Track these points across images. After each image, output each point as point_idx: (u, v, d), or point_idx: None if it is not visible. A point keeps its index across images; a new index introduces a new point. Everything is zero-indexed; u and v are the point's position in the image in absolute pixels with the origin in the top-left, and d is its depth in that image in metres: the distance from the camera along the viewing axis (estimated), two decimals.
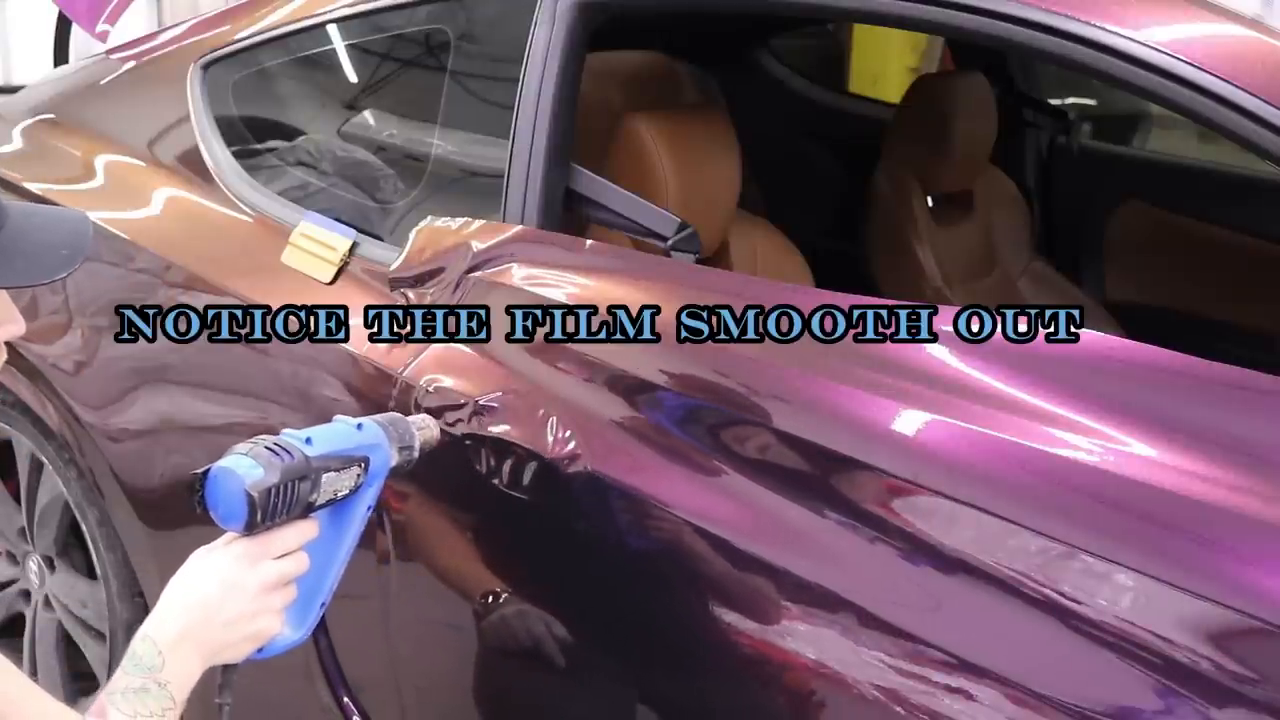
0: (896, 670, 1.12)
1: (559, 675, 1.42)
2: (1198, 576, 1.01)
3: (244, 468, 1.10)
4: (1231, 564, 1.02)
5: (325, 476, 1.15)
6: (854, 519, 1.17)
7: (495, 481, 1.41)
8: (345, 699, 1.67)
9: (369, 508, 1.23)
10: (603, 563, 1.37)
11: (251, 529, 1.11)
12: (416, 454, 1.28)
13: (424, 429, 1.30)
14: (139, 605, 2.01)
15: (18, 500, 2.22)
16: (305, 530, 1.17)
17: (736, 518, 1.24)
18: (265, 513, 1.10)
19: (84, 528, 2.05)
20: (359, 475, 1.20)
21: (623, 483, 1.32)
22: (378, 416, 1.26)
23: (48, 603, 2.18)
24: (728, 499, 1.26)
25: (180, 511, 1.87)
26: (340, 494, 1.18)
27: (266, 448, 1.12)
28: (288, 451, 1.12)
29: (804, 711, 1.21)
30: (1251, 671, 0.98)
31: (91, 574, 2.08)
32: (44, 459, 2.10)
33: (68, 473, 2.04)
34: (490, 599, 1.44)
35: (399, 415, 1.29)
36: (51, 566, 2.17)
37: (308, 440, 1.15)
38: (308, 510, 1.16)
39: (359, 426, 1.22)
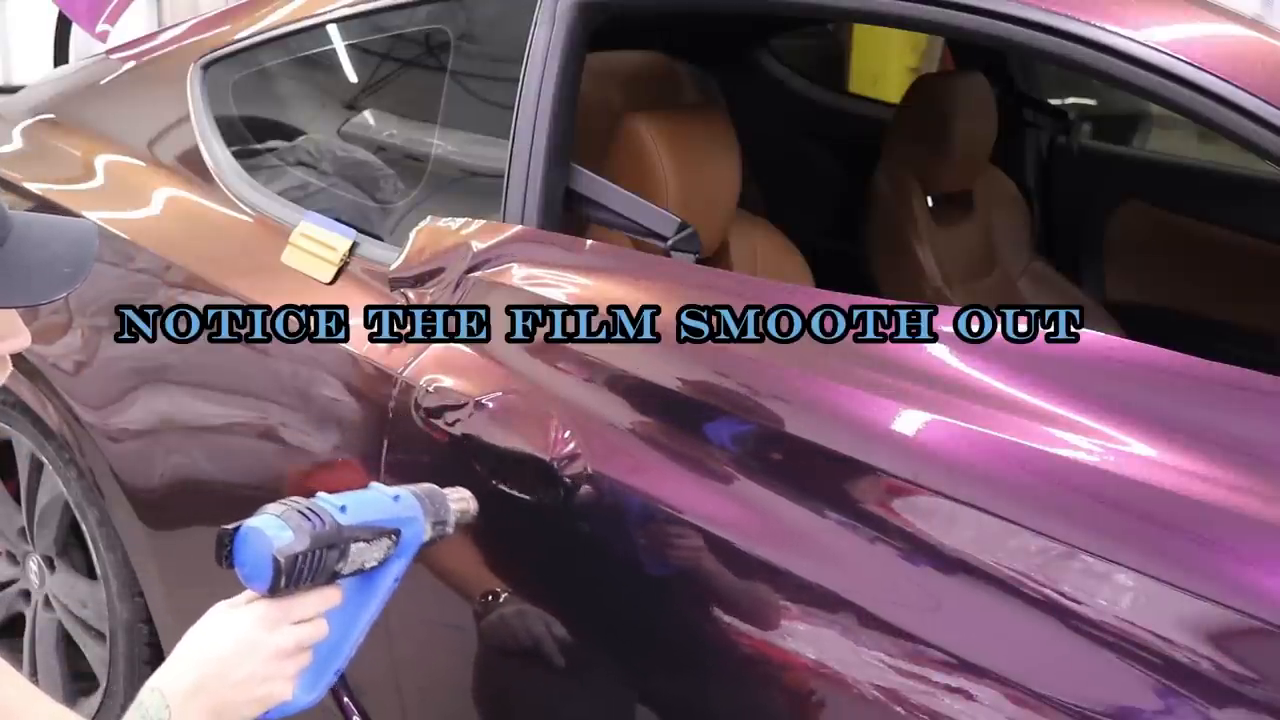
0: (896, 670, 1.12)
1: (559, 675, 1.42)
2: (1198, 576, 1.01)
3: (273, 529, 1.10)
4: (1231, 564, 1.02)
5: (355, 546, 1.14)
6: (854, 519, 1.17)
7: (495, 481, 1.41)
8: (345, 699, 1.67)
9: (396, 580, 1.22)
10: (603, 563, 1.37)
11: (275, 593, 1.11)
12: (450, 530, 1.27)
13: (459, 503, 1.29)
14: (139, 605, 2.02)
15: (18, 500, 2.22)
16: (328, 598, 1.16)
17: (737, 518, 1.24)
18: (290, 578, 1.10)
19: (84, 528, 2.05)
20: (389, 548, 1.19)
21: (623, 483, 1.32)
22: (416, 488, 1.25)
23: (48, 603, 2.18)
24: (728, 499, 1.26)
25: (180, 512, 1.88)
26: (368, 565, 1.17)
27: (299, 511, 1.12)
28: (320, 518, 1.12)
29: (804, 711, 1.21)
30: (1251, 671, 0.98)
31: (91, 574, 2.08)
32: (44, 459, 2.10)
33: (68, 473, 2.04)
34: (490, 599, 1.44)
35: (436, 489, 1.27)
36: (51, 566, 2.17)
37: (342, 508, 1.14)
38: (333, 578, 1.15)
39: (396, 498, 1.21)
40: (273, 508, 1.13)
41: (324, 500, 1.15)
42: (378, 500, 1.20)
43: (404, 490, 1.23)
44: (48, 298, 1.03)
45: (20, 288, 1.00)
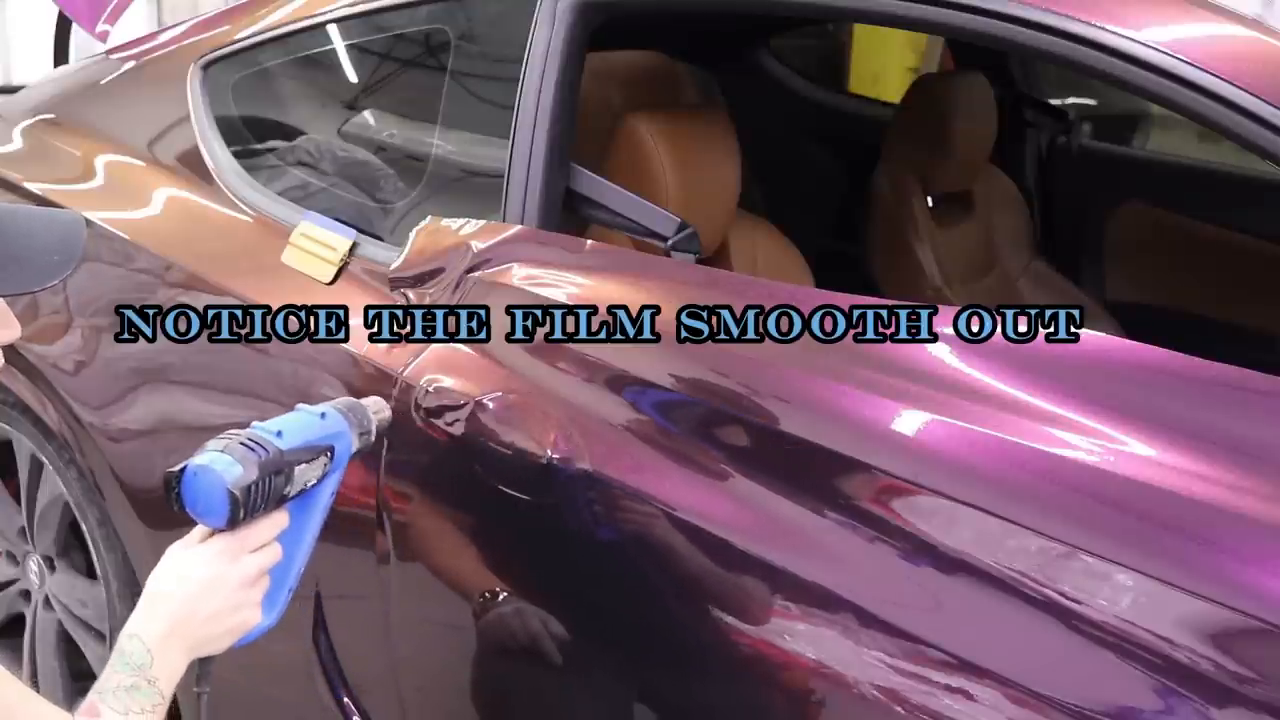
0: (896, 670, 1.12)
1: (559, 675, 1.42)
2: (1198, 576, 1.01)
3: (222, 465, 1.11)
4: (1231, 564, 1.02)
5: (298, 469, 1.17)
6: (854, 519, 1.17)
7: (495, 481, 1.41)
8: (345, 699, 1.67)
9: (332, 493, 1.26)
10: (603, 563, 1.37)
11: (233, 525, 1.13)
12: (373, 438, 1.30)
13: (379, 411, 1.32)
14: None
15: (18, 500, 2.22)
16: (278, 522, 1.19)
17: (737, 518, 1.24)
18: (246, 509, 1.12)
19: (84, 528, 2.05)
20: (325, 464, 1.22)
21: (623, 483, 1.32)
22: (337, 403, 1.28)
23: (48, 603, 2.18)
24: (728, 499, 1.26)
25: (180, 512, 1.87)
26: (309, 484, 1.20)
27: (241, 443, 1.14)
28: (262, 446, 1.14)
29: (804, 711, 1.21)
30: (1251, 671, 0.99)
31: (91, 574, 2.08)
32: (44, 459, 2.10)
33: (68, 473, 2.04)
34: (490, 599, 1.44)
35: (355, 400, 1.31)
36: (51, 566, 2.17)
37: (279, 433, 1.17)
38: (281, 502, 1.18)
39: (323, 415, 1.24)
40: (214, 443, 1.14)
41: (260, 429, 1.17)
42: (308, 420, 1.22)
43: (328, 408, 1.26)
44: (40, 285, 1.04)
45: (10, 277, 1.01)
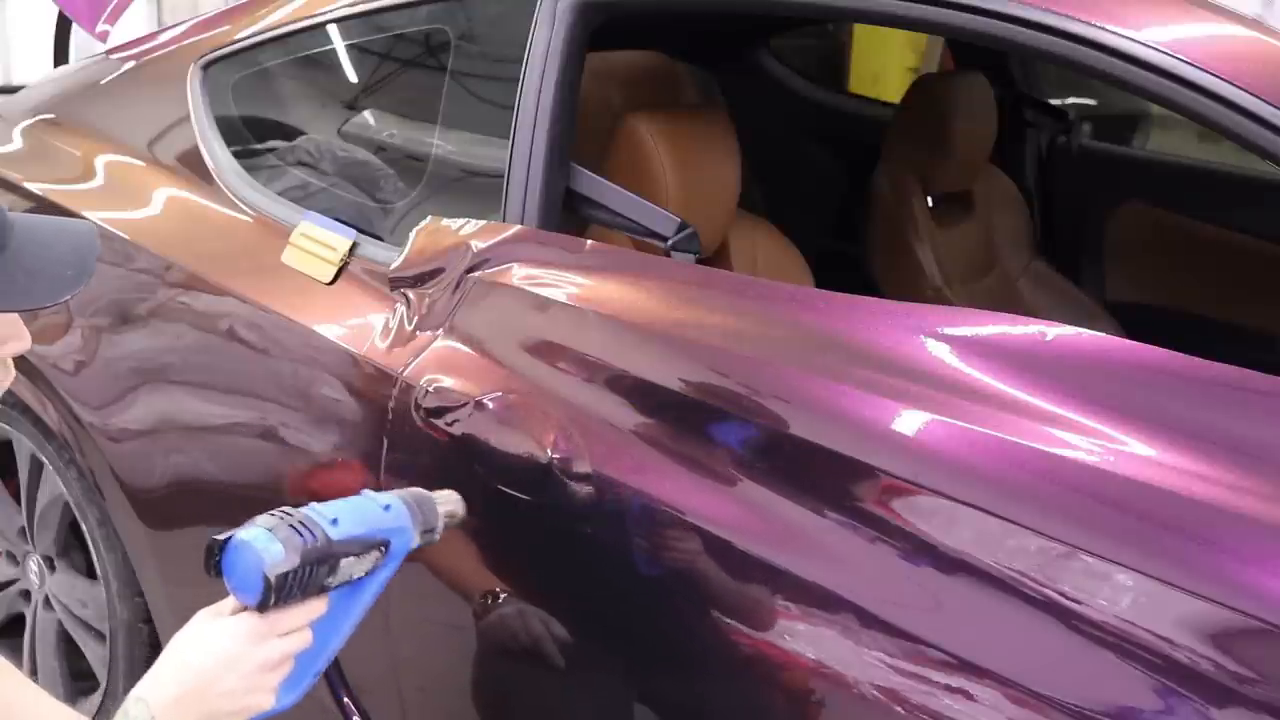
0: (897, 670, 1.12)
1: (559, 675, 1.42)
2: (1198, 576, 1.01)
3: (264, 544, 1.09)
4: (1231, 564, 1.02)
5: (344, 560, 1.15)
6: (854, 519, 1.17)
7: (495, 481, 1.41)
8: (345, 699, 1.67)
9: (380, 587, 1.22)
10: (603, 563, 1.37)
11: (263, 609, 1.11)
12: (438, 536, 1.27)
13: (447, 506, 1.29)
14: (139, 605, 2.02)
15: (18, 500, 2.22)
16: (314, 609, 1.16)
17: (737, 518, 1.24)
18: (279, 595, 1.10)
19: (84, 528, 2.05)
20: (378, 559, 1.19)
21: (623, 483, 1.32)
22: (406, 495, 1.25)
23: (48, 603, 2.18)
24: (728, 499, 1.26)
25: (180, 512, 1.88)
26: (355, 577, 1.17)
27: (291, 525, 1.11)
28: (311, 532, 1.12)
29: (804, 711, 1.21)
30: (1251, 671, 0.98)
31: (91, 574, 2.08)
32: (44, 459, 2.10)
33: (68, 473, 2.04)
34: (491, 599, 1.44)
35: (425, 494, 1.27)
36: (52, 566, 2.17)
37: (334, 520, 1.14)
38: (321, 591, 1.15)
39: (386, 508, 1.21)
40: (264, 520, 1.12)
41: (315, 512, 1.14)
42: (368, 510, 1.19)
43: (394, 499, 1.23)
44: (53, 300, 1.02)
45: (25, 291, 0.99)
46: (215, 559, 1.11)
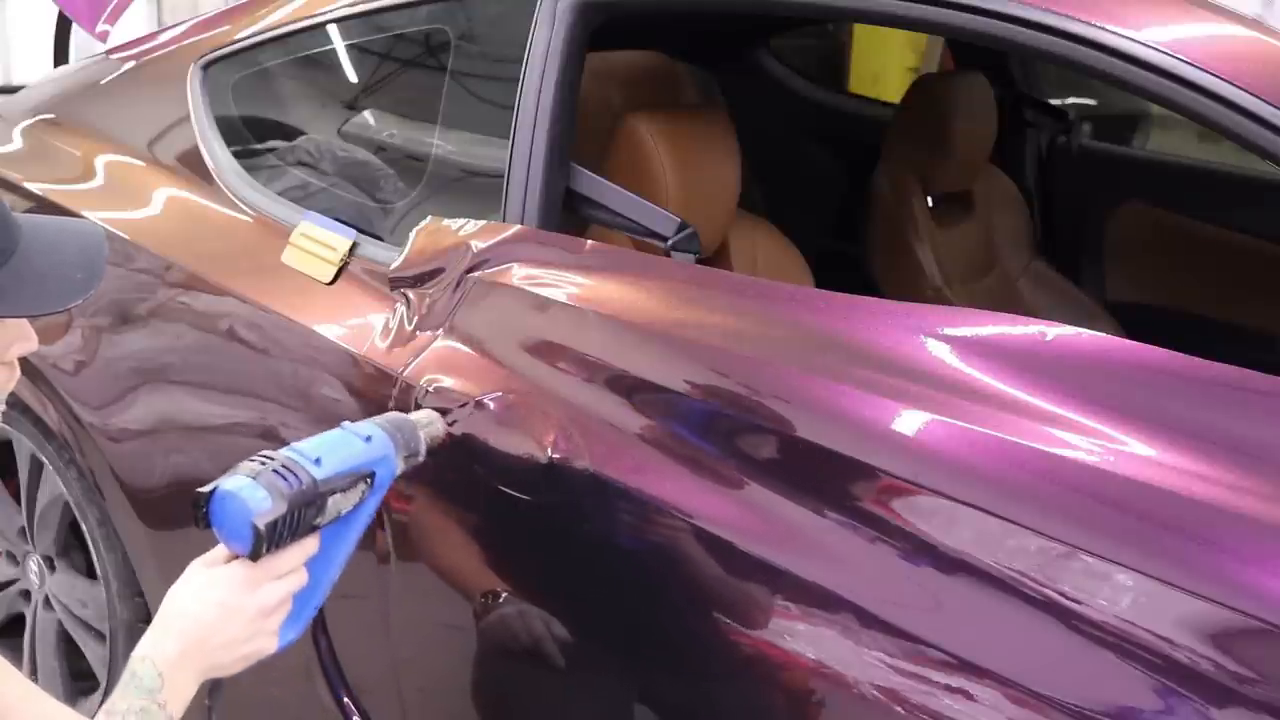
0: (897, 670, 1.12)
1: (560, 676, 1.42)
2: (1198, 576, 1.01)
3: (249, 492, 1.08)
4: (1231, 564, 1.02)
5: (331, 499, 1.14)
6: (854, 519, 1.17)
7: (495, 481, 1.41)
8: (345, 699, 1.67)
9: (369, 517, 1.22)
10: (603, 563, 1.37)
11: (255, 557, 1.11)
12: (421, 458, 1.26)
13: (428, 427, 1.29)
14: (139, 605, 2.02)
15: (18, 500, 2.22)
16: (306, 548, 1.16)
17: (737, 518, 1.24)
18: (270, 542, 1.10)
19: (84, 528, 2.05)
20: (364, 491, 1.19)
21: (623, 483, 1.32)
22: (383, 421, 1.24)
23: (48, 603, 2.18)
24: (728, 499, 1.26)
25: (180, 512, 1.87)
26: (344, 511, 1.17)
27: (275, 470, 1.10)
28: (295, 475, 1.11)
29: (804, 711, 1.21)
30: (1251, 671, 0.98)
31: (91, 574, 2.08)
32: (44, 459, 2.10)
33: (68, 473, 2.04)
34: (491, 599, 1.44)
35: (403, 417, 1.27)
36: (52, 566, 2.17)
37: (317, 460, 1.13)
38: (311, 530, 1.15)
39: (367, 439, 1.20)
40: (246, 467, 1.11)
41: (297, 453, 1.13)
42: (350, 444, 1.19)
43: (374, 428, 1.22)
44: (65, 306, 1.02)
45: (36, 296, 0.99)
46: (203, 510, 1.10)
